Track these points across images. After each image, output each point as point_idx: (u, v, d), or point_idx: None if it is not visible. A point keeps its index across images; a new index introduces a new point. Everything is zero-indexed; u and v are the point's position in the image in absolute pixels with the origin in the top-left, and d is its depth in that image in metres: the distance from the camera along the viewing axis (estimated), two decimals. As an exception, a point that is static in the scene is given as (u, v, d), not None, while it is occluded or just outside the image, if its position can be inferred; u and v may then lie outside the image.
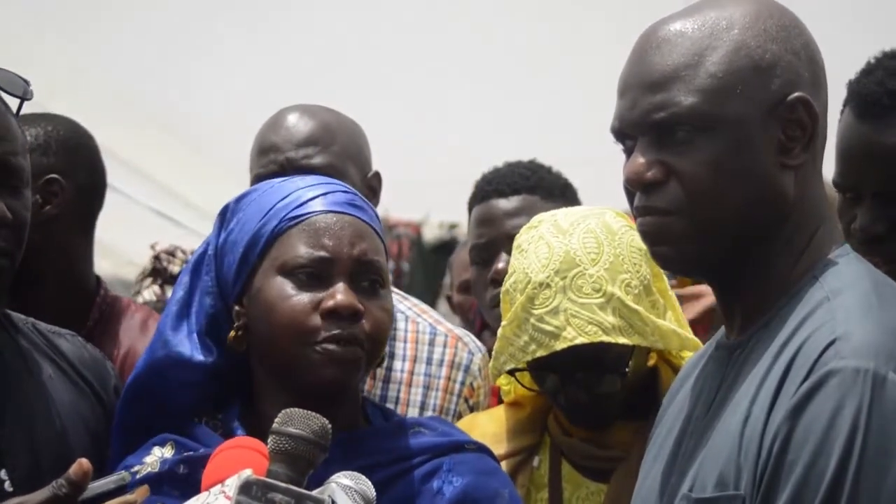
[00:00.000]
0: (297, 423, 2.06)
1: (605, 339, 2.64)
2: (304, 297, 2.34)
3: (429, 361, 3.32)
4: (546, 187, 3.62)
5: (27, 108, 3.45)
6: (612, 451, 2.77)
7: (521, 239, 2.80)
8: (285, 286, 2.36)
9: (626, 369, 2.70)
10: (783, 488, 1.79)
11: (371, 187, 3.36)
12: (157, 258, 3.87)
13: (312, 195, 2.42)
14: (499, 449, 2.72)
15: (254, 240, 2.41)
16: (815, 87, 1.99)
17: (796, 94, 1.96)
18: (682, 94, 1.94)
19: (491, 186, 3.64)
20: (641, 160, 1.96)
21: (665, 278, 2.78)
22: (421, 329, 3.36)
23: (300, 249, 2.37)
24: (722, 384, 2.00)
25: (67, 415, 2.50)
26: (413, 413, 3.24)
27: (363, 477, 2.12)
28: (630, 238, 2.70)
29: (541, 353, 2.68)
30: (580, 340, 2.64)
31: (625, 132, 2.00)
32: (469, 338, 3.43)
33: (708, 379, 2.06)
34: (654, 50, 1.98)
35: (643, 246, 2.62)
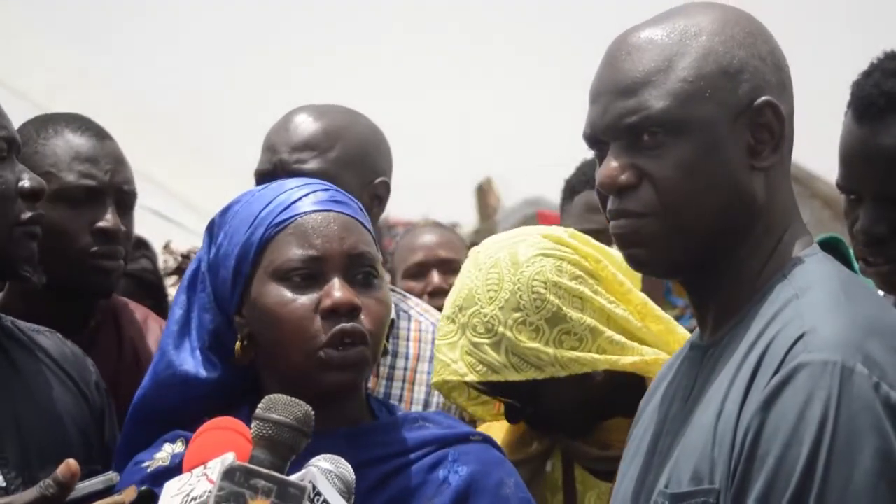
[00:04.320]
0: (281, 410, 2.05)
1: (494, 378, 2.71)
2: (303, 300, 2.36)
3: (431, 360, 3.32)
4: None
5: (29, 111, 3.47)
6: (615, 450, 2.79)
7: None
8: (282, 291, 2.38)
9: (539, 396, 2.76)
10: (756, 480, 1.83)
11: (377, 195, 3.32)
12: (185, 257, 3.91)
13: (295, 197, 2.44)
14: (512, 456, 2.76)
15: (244, 250, 2.42)
16: (781, 91, 2.02)
17: (764, 98, 1.99)
18: (653, 98, 1.98)
19: None
20: (615, 164, 2.00)
21: (599, 297, 2.79)
22: (424, 328, 3.36)
23: (291, 252, 2.39)
24: (696, 383, 2.04)
25: (54, 409, 2.53)
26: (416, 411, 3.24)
27: (343, 460, 2.13)
28: (536, 270, 2.73)
29: (437, 378, 2.79)
30: (470, 378, 2.73)
31: (597, 137, 2.04)
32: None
33: (682, 379, 2.09)
34: (625, 56, 2.02)
35: (550, 277, 2.69)
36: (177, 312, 2.50)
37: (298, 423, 2.05)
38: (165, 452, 2.41)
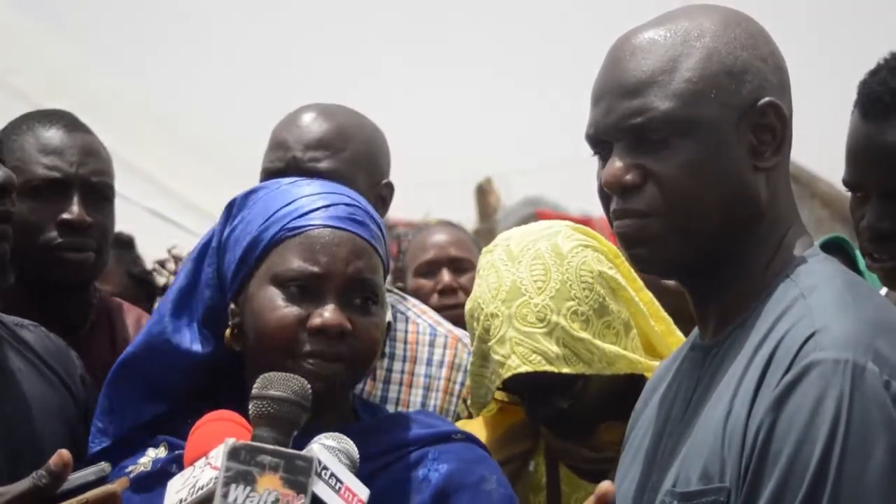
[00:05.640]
0: (277, 386, 2.07)
1: (548, 368, 2.68)
2: (292, 311, 2.36)
3: (429, 363, 3.31)
4: None
5: (27, 108, 3.46)
6: (605, 452, 2.77)
7: (480, 263, 2.84)
8: (276, 297, 2.37)
9: (576, 393, 2.74)
10: (769, 477, 1.83)
11: (381, 196, 3.31)
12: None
13: (314, 207, 2.42)
14: (494, 455, 2.75)
15: (253, 244, 2.42)
16: (782, 92, 2.03)
17: (767, 99, 2.01)
18: (658, 98, 1.98)
19: None
20: (619, 164, 2.00)
21: (628, 288, 2.78)
22: (421, 330, 3.35)
23: (294, 262, 2.38)
24: (699, 384, 2.04)
25: (40, 406, 2.51)
26: (413, 414, 3.23)
27: (345, 437, 2.14)
28: (581, 260, 2.73)
29: (498, 381, 2.74)
30: (524, 369, 2.68)
31: (600, 138, 2.04)
32: (469, 338, 3.42)
33: (684, 380, 2.10)
34: (628, 57, 2.02)
35: (595, 267, 2.67)
36: (181, 280, 2.49)
37: (297, 396, 2.07)
38: (148, 458, 2.41)
